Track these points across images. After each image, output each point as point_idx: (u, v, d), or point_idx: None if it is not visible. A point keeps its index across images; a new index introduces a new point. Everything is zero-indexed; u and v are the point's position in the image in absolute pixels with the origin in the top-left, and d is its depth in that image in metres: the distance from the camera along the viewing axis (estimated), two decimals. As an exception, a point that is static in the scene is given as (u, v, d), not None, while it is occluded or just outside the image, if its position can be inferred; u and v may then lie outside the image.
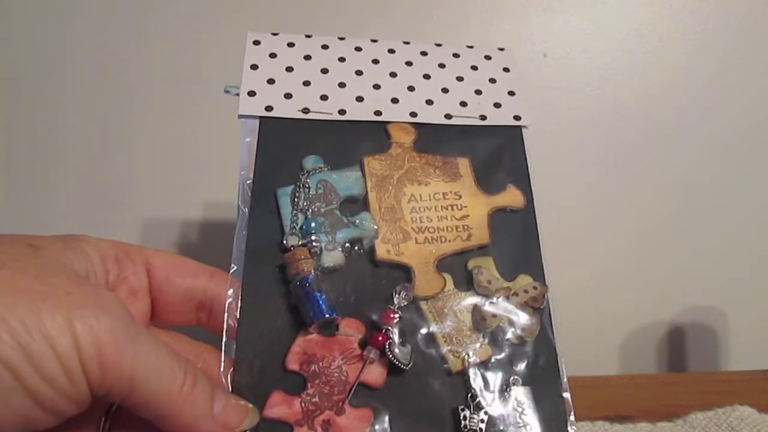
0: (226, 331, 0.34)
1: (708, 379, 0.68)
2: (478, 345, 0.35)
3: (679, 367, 0.77)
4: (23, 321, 0.25)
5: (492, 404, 0.33)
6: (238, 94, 0.56)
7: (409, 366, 0.33)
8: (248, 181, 0.38)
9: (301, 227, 0.37)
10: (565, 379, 0.35)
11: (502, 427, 0.33)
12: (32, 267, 0.27)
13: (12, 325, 0.24)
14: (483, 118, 0.42)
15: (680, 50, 0.79)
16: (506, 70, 0.45)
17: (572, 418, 0.34)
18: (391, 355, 0.33)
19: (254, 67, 0.42)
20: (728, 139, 0.77)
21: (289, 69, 0.42)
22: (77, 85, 0.76)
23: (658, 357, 0.76)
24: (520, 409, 0.33)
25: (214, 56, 0.75)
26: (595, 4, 0.80)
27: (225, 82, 0.55)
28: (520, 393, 0.34)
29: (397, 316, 0.34)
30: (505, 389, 0.34)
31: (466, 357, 0.34)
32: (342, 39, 0.44)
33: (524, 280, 0.37)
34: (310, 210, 0.37)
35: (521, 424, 0.33)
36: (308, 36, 0.44)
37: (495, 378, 0.34)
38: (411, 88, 0.43)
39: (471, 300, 0.36)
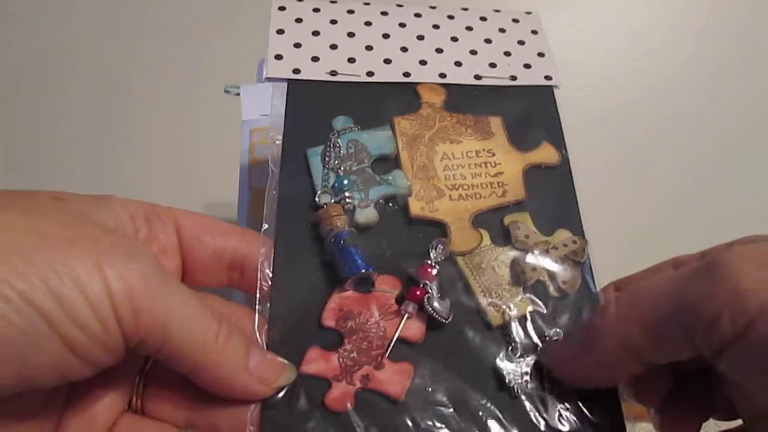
0: (259, 289, 0.33)
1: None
2: (518, 299, 0.34)
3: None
4: (53, 266, 0.24)
5: (534, 358, 0.32)
6: (238, 94, 0.56)
7: (449, 320, 0.32)
8: (277, 142, 0.37)
9: (333, 185, 0.36)
10: None
11: (543, 381, 0.32)
12: (59, 216, 0.27)
13: (41, 269, 0.24)
14: (513, 78, 0.41)
15: (680, 50, 0.80)
16: (534, 32, 0.44)
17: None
18: (430, 309, 0.32)
19: (280, 31, 0.41)
20: (729, 138, 0.77)
21: (316, 33, 0.42)
22: (78, 85, 0.76)
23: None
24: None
25: (216, 57, 0.76)
26: (595, 4, 0.81)
27: (226, 82, 0.55)
28: (560, 346, 0.33)
29: (434, 270, 0.33)
30: (546, 343, 0.33)
31: (507, 310, 0.33)
32: (367, 4, 0.44)
33: (563, 235, 0.36)
34: (342, 169, 0.37)
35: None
36: (333, 1, 0.44)
37: (536, 331, 0.33)
38: (439, 50, 0.42)
39: (509, 255, 0.35)
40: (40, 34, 0.77)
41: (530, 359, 0.32)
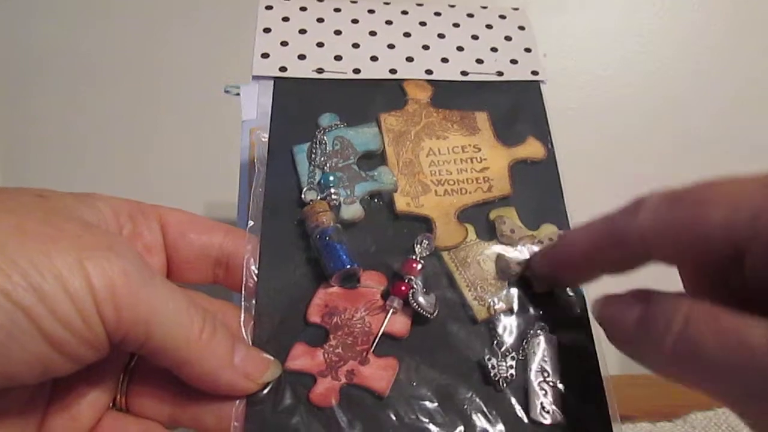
0: (245, 286, 0.33)
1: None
2: (503, 293, 0.34)
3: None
4: (34, 262, 0.24)
5: (517, 351, 0.32)
6: (238, 94, 0.56)
7: (435, 315, 0.32)
8: (263, 139, 0.38)
9: (318, 182, 0.36)
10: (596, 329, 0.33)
11: (522, 374, 0.32)
12: (41, 213, 0.27)
13: (22, 266, 0.24)
14: (500, 74, 0.41)
15: (681, 50, 0.79)
16: (521, 28, 0.44)
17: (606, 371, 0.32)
18: (415, 304, 0.32)
19: (267, 30, 0.42)
20: (721, 133, 0.77)
21: (302, 31, 0.42)
22: (77, 85, 0.76)
23: (659, 357, 0.74)
24: (541, 355, 0.32)
25: (216, 57, 0.76)
26: (596, 4, 0.81)
27: (226, 82, 0.55)
28: (544, 340, 0.33)
29: (419, 265, 0.33)
30: (530, 337, 0.33)
31: (492, 305, 0.33)
32: (354, 2, 0.44)
33: (548, 229, 0.36)
34: (327, 165, 0.37)
35: (539, 370, 0.32)
36: (320, 0, 0.44)
37: (521, 326, 0.33)
38: (426, 47, 0.42)
39: (494, 249, 0.35)
40: (38, 33, 0.77)
41: (515, 353, 0.32)
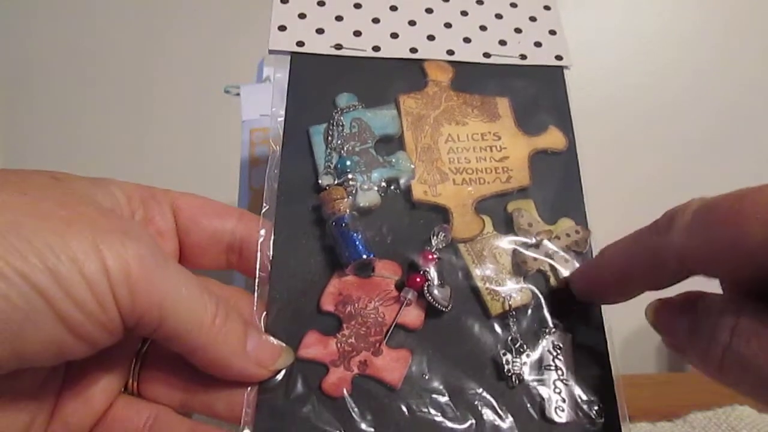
0: (259, 272, 0.33)
1: (708, 379, 0.67)
2: (518, 288, 0.33)
3: (679, 367, 0.75)
4: (50, 244, 0.24)
5: (531, 348, 0.32)
6: (238, 94, 0.55)
7: (449, 308, 0.32)
8: (279, 119, 0.37)
9: (335, 166, 0.35)
10: (608, 327, 0.33)
11: (535, 370, 0.32)
12: (57, 195, 0.27)
13: (38, 247, 0.23)
14: (523, 57, 0.40)
15: (681, 50, 0.78)
16: (547, 8, 0.43)
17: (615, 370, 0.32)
18: (430, 297, 0.32)
19: (284, 0, 0.40)
20: (728, 134, 0.76)
21: (321, 3, 0.40)
22: (79, 85, 0.75)
23: (658, 357, 0.75)
24: (555, 353, 0.32)
25: (216, 57, 0.74)
26: (596, 4, 0.79)
27: (226, 82, 0.54)
28: (558, 337, 0.33)
29: (435, 257, 0.33)
30: (543, 333, 0.33)
31: (506, 300, 0.33)
32: (375, -27, 0.42)
33: (566, 224, 0.35)
34: (344, 149, 0.36)
35: (552, 368, 0.32)
36: (340, -30, 0.42)
37: (535, 322, 0.33)
38: (448, 25, 0.41)
39: (511, 243, 0.35)
40: (38, 33, 0.76)
41: (529, 350, 0.32)
